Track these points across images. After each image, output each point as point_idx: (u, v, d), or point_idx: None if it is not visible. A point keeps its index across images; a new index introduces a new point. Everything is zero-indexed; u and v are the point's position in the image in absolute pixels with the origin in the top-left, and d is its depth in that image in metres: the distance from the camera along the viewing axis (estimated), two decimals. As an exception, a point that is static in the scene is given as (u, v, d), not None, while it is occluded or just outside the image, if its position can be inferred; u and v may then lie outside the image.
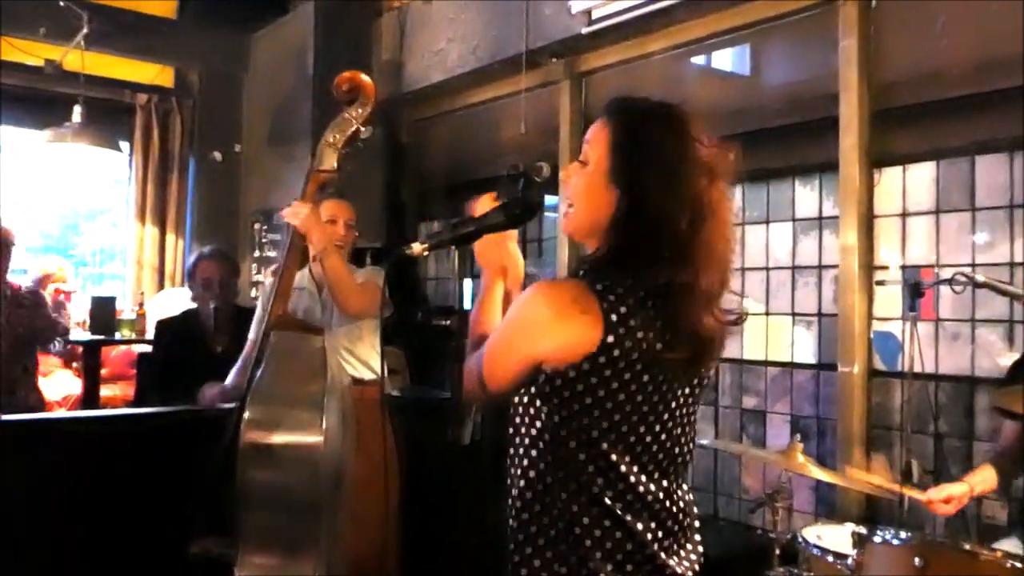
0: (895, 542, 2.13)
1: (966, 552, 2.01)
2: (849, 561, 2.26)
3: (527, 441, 1.44)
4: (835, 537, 2.52)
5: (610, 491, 1.38)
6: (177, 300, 5.13)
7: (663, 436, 1.42)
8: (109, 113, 5.71)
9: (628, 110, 1.48)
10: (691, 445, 1.49)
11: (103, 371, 5.27)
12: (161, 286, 6.00)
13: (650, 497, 1.41)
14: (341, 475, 2.42)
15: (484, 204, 1.57)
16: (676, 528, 1.44)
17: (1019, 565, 1.93)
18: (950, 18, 3.12)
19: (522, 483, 1.45)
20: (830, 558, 2.37)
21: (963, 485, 2.55)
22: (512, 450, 1.48)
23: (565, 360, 1.35)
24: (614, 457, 1.38)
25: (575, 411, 1.37)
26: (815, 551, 2.44)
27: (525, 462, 1.44)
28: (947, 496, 2.52)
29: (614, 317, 1.33)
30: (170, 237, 6.09)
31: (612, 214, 1.41)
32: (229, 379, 3.11)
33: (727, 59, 3.99)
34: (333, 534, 2.40)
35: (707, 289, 1.38)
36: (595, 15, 3.99)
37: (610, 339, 1.33)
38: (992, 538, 2.69)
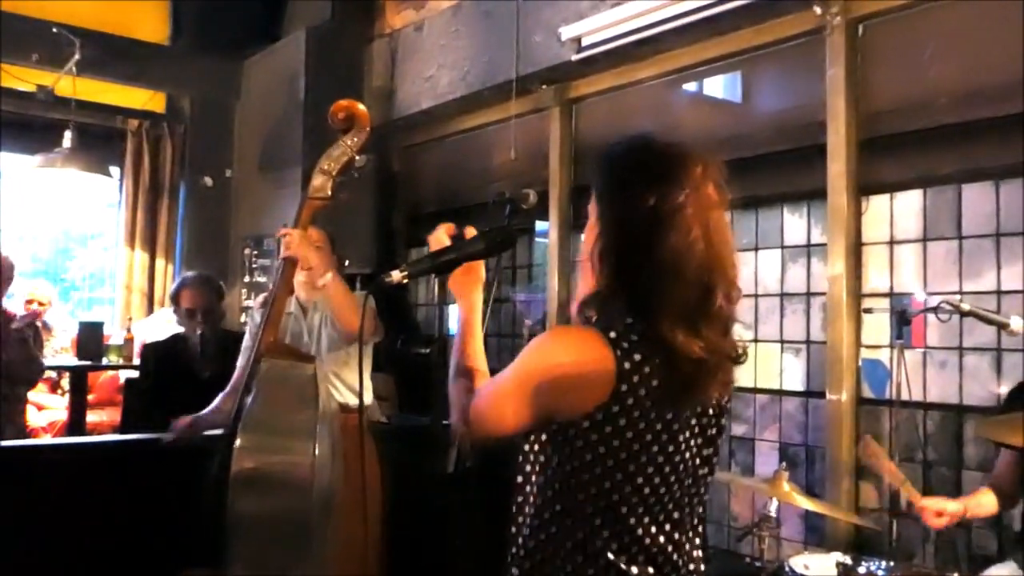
0: (880, 572, 2.11)
1: (951, 583, 2.00)
2: (836, 591, 2.24)
3: (535, 490, 1.42)
4: (822, 566, 2.50)
5: (615, 543, 1.36)
6: (166, 324, 5.12)
7: (675, 487, 1.39)
8: (100, 138, 5.72)
9: (605, 153, 1.50)
10: (702, 491, 1.46)
11: (90, 397, 5.23)
12: (150, 311, 5.98)
13: (656, 549, 1.38)
14: (331, 502, 2.41)
15: (439, 238, 1.58)
16: None
17: (1004, 596, 1.92)
18: (936, 48, 3.15)
19: (527, 531, 1.42)
20: (817, 588, 2.36)
21: (959, 504, 2.54)
22: (521, 498, 1.44)
23: (578, 410, 1.32)
24: (624, 509, 1.35)
25: (587, 462, 1.34)
26: (802, 581, 2.42)
27: (531, 511, 1.42)
28: (940, 509, 2.50)
29: (627, 365, 1.31)
30: (160, 262, 6.08)
31: (593, 249, 1.42)
32: (212, 405, 3.08)
33: (716, 87, 4.02)
34: (321, 561, 2.38)
35: (680, 302, 1.34)
36: (585, 43, 4.02)
37: (623, 388, 1.31)
38: (982, 567, 2.67)
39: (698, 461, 1.43)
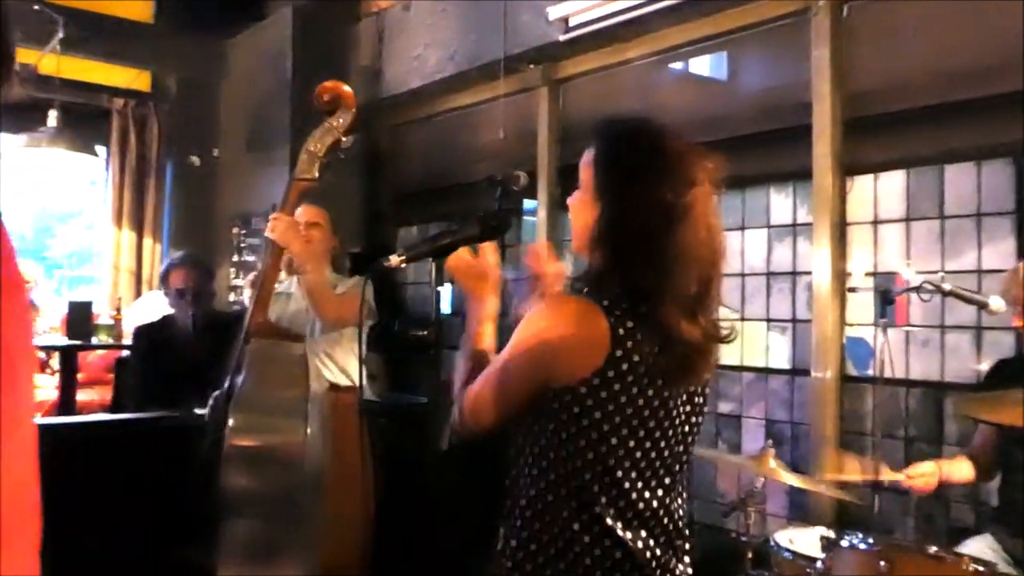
0: (862, 546, 2.17)
1: (931, 556, 2.05)
2: (818, 564, 2.30)
3: (531, 460, 1.46)
4: (806, 541, 2.56)
5: (612, 509, 1.41)
6: (157, 304, 5.12)
7: (666, 451, 1.44)
8: (85, 117, 5.68)
9: (606, 129, 1.53)
10: (688, 457, 1.51)
11: (80, 376, 5.24)
12: (138, 290, 5.98)
13: (649, 513, 1.43)
14: (321, 480, 2.45)
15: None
16: (668, 543, 1.46)
17: (982, 569, 1.97)
18: (919, 30, 3.17)
19: (523, 501, 1.46)
20: (800, 561, 2.41)
21: (931, 464, 2.65)
22: (515, 470, 1.49)
23: (576, 375, 1.37)
24: (619, 473, 1.40)
25: (584, 427, 1.39)
26: (786, 555, 2.48)
27: (528, 480, 1.46)
28: (920, 473, 2.60)
29: (621, 331, 1.36)
30: (147, 241, 6.07)
31: (595, 227, 1.45)
32: None
33: (703, 67, 4.03)
34: (312, 539, 2.42)
35: (684, 292, 1.39)
36: (572, 22, 4.02)
37: (618, 353, 1.36)
38: (959, 540, 2.74)
39: (687, 428, 1.48)
